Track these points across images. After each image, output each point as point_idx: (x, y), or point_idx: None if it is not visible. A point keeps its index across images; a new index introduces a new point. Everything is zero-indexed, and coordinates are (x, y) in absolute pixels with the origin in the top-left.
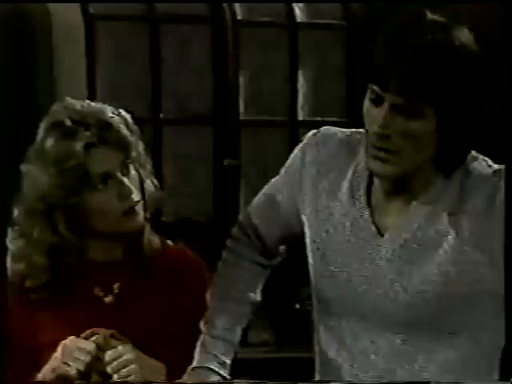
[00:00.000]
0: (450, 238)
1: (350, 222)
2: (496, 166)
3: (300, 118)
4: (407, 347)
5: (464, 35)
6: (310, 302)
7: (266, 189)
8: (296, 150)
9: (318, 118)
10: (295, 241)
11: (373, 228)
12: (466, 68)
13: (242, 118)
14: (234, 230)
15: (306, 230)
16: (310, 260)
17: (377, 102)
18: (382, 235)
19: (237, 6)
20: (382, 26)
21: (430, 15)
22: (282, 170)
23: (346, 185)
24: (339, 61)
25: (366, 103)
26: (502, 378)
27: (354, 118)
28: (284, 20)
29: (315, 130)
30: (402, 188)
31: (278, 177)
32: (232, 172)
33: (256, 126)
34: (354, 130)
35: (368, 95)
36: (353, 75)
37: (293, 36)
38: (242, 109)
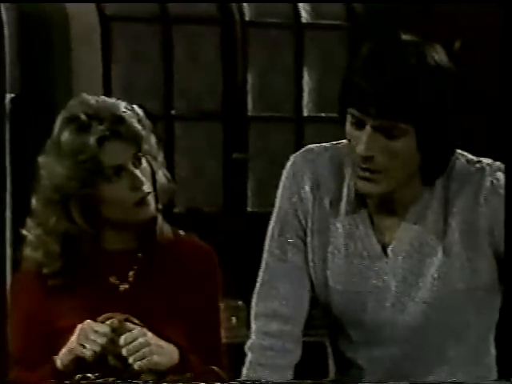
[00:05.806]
0: (444, 241)
1: (353, 243)
2: (478, 165)
3: (305, 114)
4: (418, 351)
5: (437, 53)
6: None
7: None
8: (278, 195)
9: (322, 114)
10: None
11: (377, 246)
12: (440, 85)
13: (249, 114)
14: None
15: (309, 254)
16: (313, 279)
17: (358, 125)
18: (385, 250)
19: (245, 7)
20: (359, 47)
21: (403, 36)
22: (276, 230)
23: (343, 208)
24: (342, 59)
25: (348, 127)
26: (502, 377)
27: None
28: (290, 21)
29: (290, 161)
30: (392, 205)
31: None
32: (240, 165)
33: (263, 122)
34: (334, 142)
35: (349, 119)
36: None
37: (298, 36)
38: (249, 105)
